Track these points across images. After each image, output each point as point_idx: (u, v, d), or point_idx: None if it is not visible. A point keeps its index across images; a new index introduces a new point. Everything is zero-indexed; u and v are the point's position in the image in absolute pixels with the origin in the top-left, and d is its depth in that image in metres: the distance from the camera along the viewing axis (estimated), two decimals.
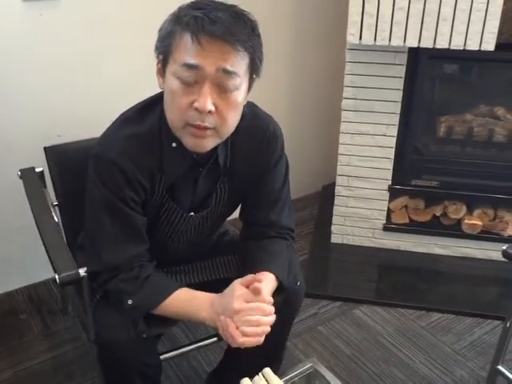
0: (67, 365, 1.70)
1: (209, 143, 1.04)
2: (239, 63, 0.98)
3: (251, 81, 1.05)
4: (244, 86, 1.02)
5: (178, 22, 0.98)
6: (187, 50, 0.96)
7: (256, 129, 1.15)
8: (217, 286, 1.30)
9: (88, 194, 1.12)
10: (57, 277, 1.11)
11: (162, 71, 1.03)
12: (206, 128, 1.00)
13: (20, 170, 1.48)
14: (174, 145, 1.08)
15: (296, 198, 2.65)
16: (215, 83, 0.98)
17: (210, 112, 0.98)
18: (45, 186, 1.51)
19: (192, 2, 1.00)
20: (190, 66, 0.96)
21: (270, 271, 1.14)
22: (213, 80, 0.97)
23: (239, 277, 1.22)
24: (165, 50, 1.00)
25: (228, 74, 0.97)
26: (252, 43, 0.99)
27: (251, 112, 1.14)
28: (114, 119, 1.14)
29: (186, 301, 1.10)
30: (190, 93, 0.98)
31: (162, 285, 1.11)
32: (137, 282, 1.08)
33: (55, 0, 1.71)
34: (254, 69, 1.02)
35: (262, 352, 1.08)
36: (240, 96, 1.02)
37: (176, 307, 1.10)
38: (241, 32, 0.96)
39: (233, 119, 1.04)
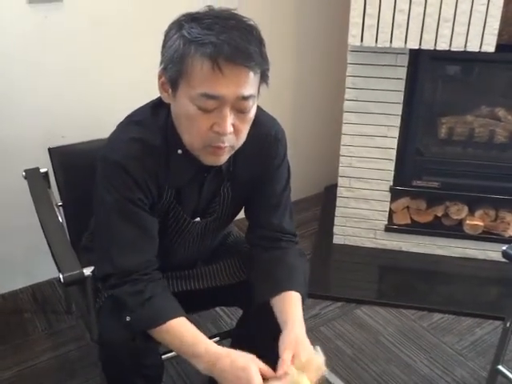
0: (70, 364, 1.71)
1: (225, 157, 1.07)
2: (254, 84, 1.00)
3: (259, 90, 1.06)
4: (256, 99, 1.04)
5: (192, 45, 0.95)
6: (208, 80, 0.95)
7: (259, 134, 1.15)
8: (221, 292, 1.32)
9: (97, 197, 1.11)
10: (61, 276, 1.12)
11: (167, 87, 1.02)
12: (225, 147, 1.03)
13: (25, 171, 1.50)
14: (179, 151, 1.09)
15: (299, 199, 2.66)
16: (233, 107, 0.99)
17: (229, 133, 1.01)
18: (49, 187, 1.52)
19: (195, 17, 0.98)
20: (210, 97, 0.96)
21: (295, 290, 1.14)
22: (232, 105, 0.98)
23: (243, 281, 1.25)
24: (177, 72, 0.98)
25: (245, 99, 0.99)
26: (263, 58, 0.99)
27: (254, 116, 1.16)
28: (117, 121, 1.14)
29: (180, 340, 1.05)
30: (208, 117, 0.99)
31: (161, 310, 1.07)
32: (139, 299, 1.07)
33: (60, 2, 1.73)
34: (263, 80, 1.03)
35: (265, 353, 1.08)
36: (253, 111, 1.04)
37: (168, 340, 1.06)
38: (255, 51, 0.96)
39: (246, 133, 1.06)
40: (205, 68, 0.94)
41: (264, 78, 1.03)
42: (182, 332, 1.06)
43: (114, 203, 1.07)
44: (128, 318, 1.07)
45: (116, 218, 1.08)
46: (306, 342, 1.06)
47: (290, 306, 1.12)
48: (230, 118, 0.99)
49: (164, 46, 1.02)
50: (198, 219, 1.20)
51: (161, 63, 1.03)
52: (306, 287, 1.23)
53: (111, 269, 1.09)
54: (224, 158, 1.07)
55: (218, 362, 1.00)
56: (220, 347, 1.03)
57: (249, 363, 0.98)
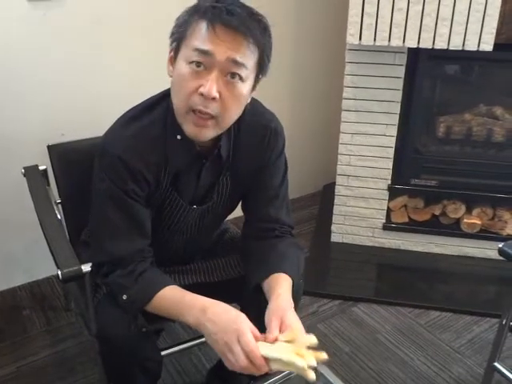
0: (69, 360, 1.72)
1: (208, 132, 1.06)
2: (249, 56, 1.01)
3: (257, 79, 1.08)
4: (250, 81, 1.05)
5: (196, 11, 1.01)
6: (201, 36, 0.99)
7: (258, 126, 1.17)
8: (218, 287, 1.32)
9: (93, 188, 1.14)
10: (59, 273, 1.13)
11: (173, 59, 1.05)
12: (207, 114, 1.02)
13: (24, 168, 1.50)
14: (178, 137, 1.10)
15: (297, 197, 2.67)
16: (223, 72, 1.00)
17: (213, 99, 1.00)
18: (48, 184, 1.53)
19: None
20: (201, 52, 0.98)
21: (285, 273, 1.14)
22: (221, 68, 0.99)
23: (241, 276, 1.25)
24: (179, 36, 1.03)
25: (237, 64, 1.00)
26: (263, 41, 1.02)
27: (254, 109, 1.16)
28: (117, 118, 1.15)
29: (175, 300, 1.08)
30: (197, 78, 1.00)
31: (154, 281, 1.11)
32: (132, 277, 1.09)
33: (60, 0, 1.73)
34: (261, 67, 1.05)
35: None
36: (245, 89, 1.04)
37: (165, 305, 1.09)
38: (254, 27, 0.99)
39: (235, 111, 1.06)
40: (200, 27, 0.99)
41: (262, 65, 1.05)
42: (175, 295, 1.08)
43: (109, 194, 1.10)
44: (125, 297, 1.09)
45: (109, 208, 1.10)
46: (292, 311, 1.05)
47: (277, 284, 1.11)
48: (216, 83, 0.99)
49: (177, 19, 1.05)
50: (194, 206, 1.21)
51: (170, 36, 1.06)
52: (300, 276, 1.22)
53: (103, 257, 1.12)
54: (206, 131, 1.05)
55: (210, 308, 1.00)
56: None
57: (241, 317, 0.97)
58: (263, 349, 0.95)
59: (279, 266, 1.16)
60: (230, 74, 1.00)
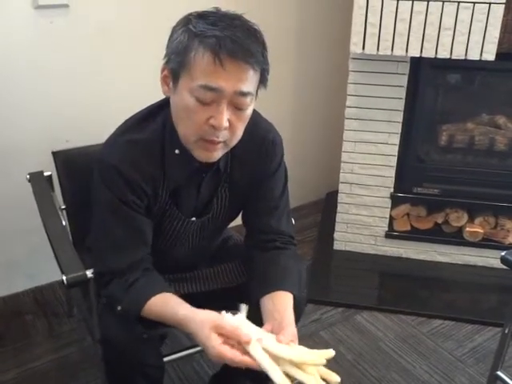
0: (71, 366, 1.72)
1: (218, 154, 1.08)
2: (253, 82, 1.02)
3: (257, 91, 1.09)
4: (253, 100, 1.06)
5: (196, 38, 0.98)
6: (208, 71, 0.97)
7: (256, 137, 1.17)
8: (222, 294, 1.32)
9: (93, 197, 1.15)
10: (64, 278, 1.14)
11: (169, 80, 1.05)
12: (218, 142, 1.04)
13: (29, 174, 1.52)
14: (176, 151, 1.11)
15: (300, 204, 2.67)
16: (231, 103, 1.01)
17: (224, 128, 1.02)
18: (53, 190, 1.54)
19: (202, 14, 1.01)
20: (210, 89, 0.98)
21: (287, 290, 1.14)
22: (229, 100, 1.00)
23: (243, 285, 1.25)
24: (179, 64, 1.00)
25: (244, 95, 1.01)
26: (262, 58, 1.02)
27: (251, 120, 1.15)
28: (116, 128, 1.16)
29: (160, 312, 1.08)
30: (206, 110, 1.00)
31: (143, 291, 1.10)
32: (124, 288, 1.10)
33: (66, 8, 1.75)
34: (262, 81, 1.06)
35: None
36: (250, 110, 1.06)
37: (155, 316, 1.09)
38: (256, 50, 0.99)
39: (241, 131, 1.08)
40: (206, 60, 0.97)
41: (263, 80, 1.05)
42: (161, 306, 1.08)
43: (108, 204, 1.10)
44: (119, 308, 1.10)
45: (109, 219, 1.11)
46: None
47: (282, 305, 1.11)
48: (226, 113, 1.00)
49: (169, 40, 1.04)
50: (193, 219, 1.22)
51: (165, 57, 1.05)
52: (302, 289, 1.23)
53: (103, 267, 1.13)
54: (217, 154, 1.08)
55: (189, 324, 1.01)
56: (189, 309, 1.04)
57: (210, 341, 0.95)
58: (269, 344, 0.96)
59: (280, 283, 1.16)
60: (238, 104, 1.01)
